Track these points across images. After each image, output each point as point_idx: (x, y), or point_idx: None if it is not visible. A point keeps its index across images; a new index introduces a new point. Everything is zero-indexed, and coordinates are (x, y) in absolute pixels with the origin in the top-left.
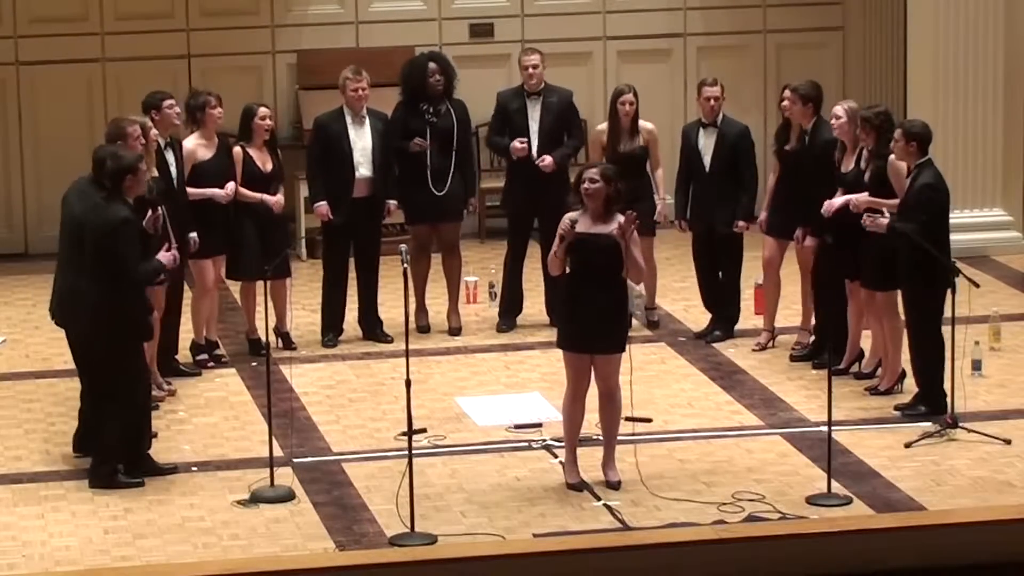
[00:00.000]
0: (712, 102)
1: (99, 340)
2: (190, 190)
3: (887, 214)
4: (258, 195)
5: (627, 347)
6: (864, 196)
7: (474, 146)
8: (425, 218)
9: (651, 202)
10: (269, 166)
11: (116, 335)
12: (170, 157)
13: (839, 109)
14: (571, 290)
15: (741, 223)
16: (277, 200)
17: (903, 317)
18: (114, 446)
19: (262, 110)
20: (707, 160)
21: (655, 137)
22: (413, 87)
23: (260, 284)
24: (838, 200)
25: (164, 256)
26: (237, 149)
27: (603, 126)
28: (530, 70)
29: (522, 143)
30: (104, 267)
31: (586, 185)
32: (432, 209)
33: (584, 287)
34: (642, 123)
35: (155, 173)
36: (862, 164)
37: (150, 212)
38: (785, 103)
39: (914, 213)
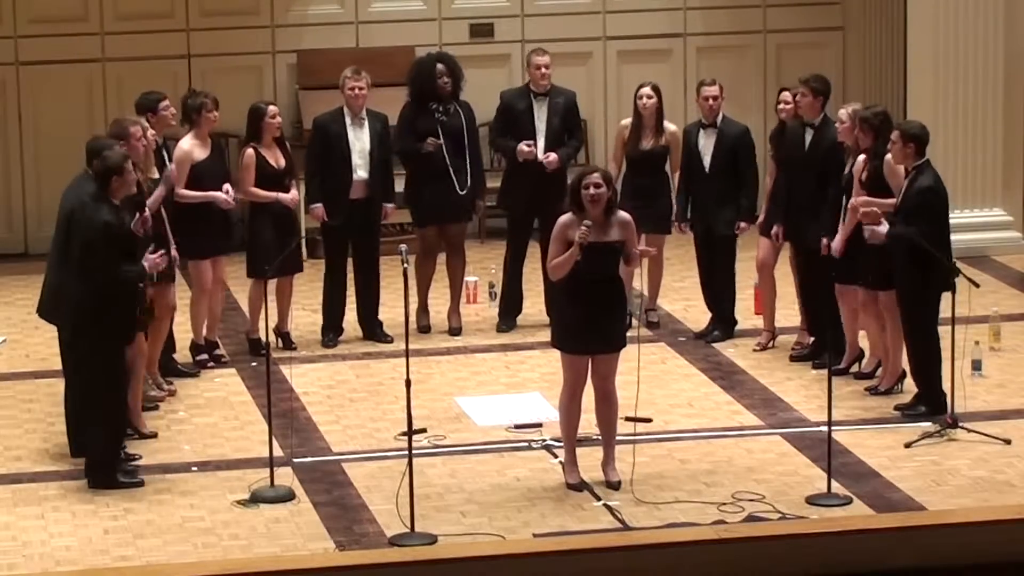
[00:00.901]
0: (711, 102)
1: (82, 338)
2: (189, 192)
3: (884, 223)
4: (272, 194)
5: (627, 346)
6: (863, 197)
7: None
8: (435, 220)
9: (667, 200)
10: (282, 162)
11: (99, 334)
12: (165, 157)
13: (843, 113)
14: (571, 292)
15: (742, 224)
16: (292, 196)
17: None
18: (105, 447)
19: (271, 108)
20: (707, 161)
21: (677, 139)
22: (421, 88)
23: (270, 283)
24: (840, 242)
25: (148, 260)
26: (249, 151)
27: (627, 122)
28: (543, 70)
29: (529, 146)
30: (88, 265)
31: (592, 191)
32: (442, 210)
33: (585, 289)
34: (667, 124)
35: (155, 175)
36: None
37: (139, 214)
38: (781, 104)
39: (914, 216)
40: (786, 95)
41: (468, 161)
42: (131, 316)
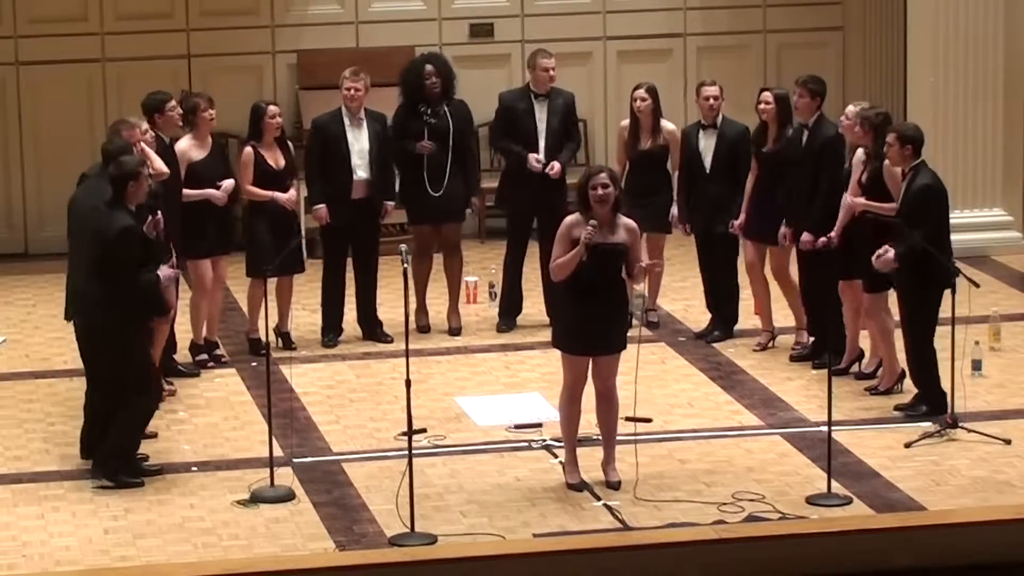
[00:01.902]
0: (711, 102)
1: (107, 334)
2: (186, 191)
3: (890, 250)
4: (268, 193)
5: (627, 347)
6: (861, 200)
7: (475, 147)
8: (427, 219)
9: (668, 199)
10: (282, 162)
11: (126, 328)
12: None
13: (850, 110)
14: (573, 292)
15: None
16: (289, 196)
17: (897, 318)
18: (122, 445)
19: (271, 108)
20: (707, 161)
21: (676, 139)
22: (411, 89)
23: (270, 283)
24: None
25: (163, 271)
26: (248, 150)
27: (626, 122)
28: (550, 72)
29: (539, 161)
30: (105, 269)
31: (600, 192)
32: (434, 210)
33: (587, 289)
34: (664, 123)
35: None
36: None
37: (150, 217)
38: (762, 104)
39: (916, 216)
40: (766, 95)
41: (452, 161)
42: (159, 302)
